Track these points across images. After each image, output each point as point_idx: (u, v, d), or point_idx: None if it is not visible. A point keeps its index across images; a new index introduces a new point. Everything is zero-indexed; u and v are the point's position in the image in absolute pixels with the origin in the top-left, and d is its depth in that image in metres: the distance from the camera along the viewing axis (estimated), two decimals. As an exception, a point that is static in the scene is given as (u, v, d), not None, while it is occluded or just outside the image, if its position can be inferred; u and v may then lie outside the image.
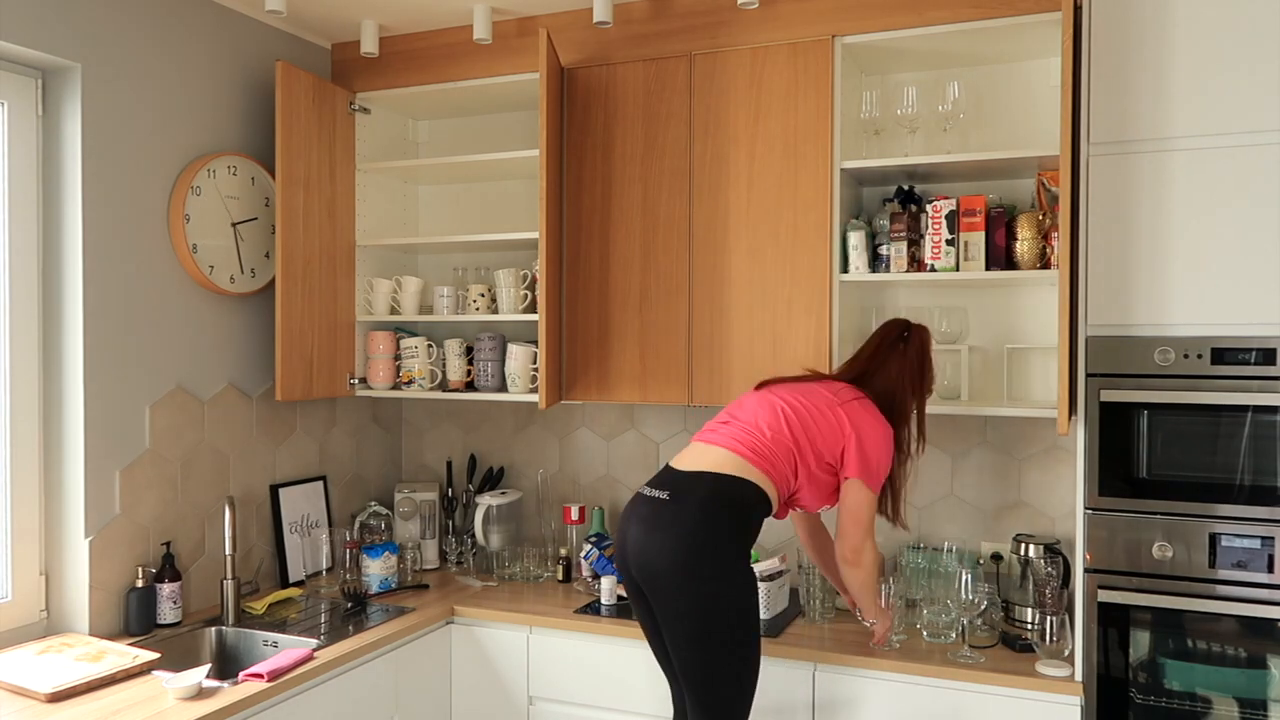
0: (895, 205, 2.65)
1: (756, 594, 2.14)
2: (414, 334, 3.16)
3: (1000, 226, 2.49)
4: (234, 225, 2.81)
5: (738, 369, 2.67)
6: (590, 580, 2.91)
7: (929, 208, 2.55)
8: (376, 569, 2.88)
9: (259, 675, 2.17)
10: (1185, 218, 2.09)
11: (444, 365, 3.10)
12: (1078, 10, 2.20)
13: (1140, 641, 2.12)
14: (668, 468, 2.24)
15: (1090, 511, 2.17)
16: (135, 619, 2.48)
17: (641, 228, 2.80)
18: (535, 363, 2.93)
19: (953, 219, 2.52)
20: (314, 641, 2.46)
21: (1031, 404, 2.58)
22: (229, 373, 2.83)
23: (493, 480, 3.29)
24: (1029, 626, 2.48)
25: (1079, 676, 2.17)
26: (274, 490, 2.98)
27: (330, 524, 3.14)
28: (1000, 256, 2.50)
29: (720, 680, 2.09)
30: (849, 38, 2.58)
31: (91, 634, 2.42)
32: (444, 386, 3.11)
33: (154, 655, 2.26)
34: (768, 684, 2.35)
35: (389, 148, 3.26)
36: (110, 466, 2.48)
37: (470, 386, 3.08)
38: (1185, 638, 2.08)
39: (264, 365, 2.93)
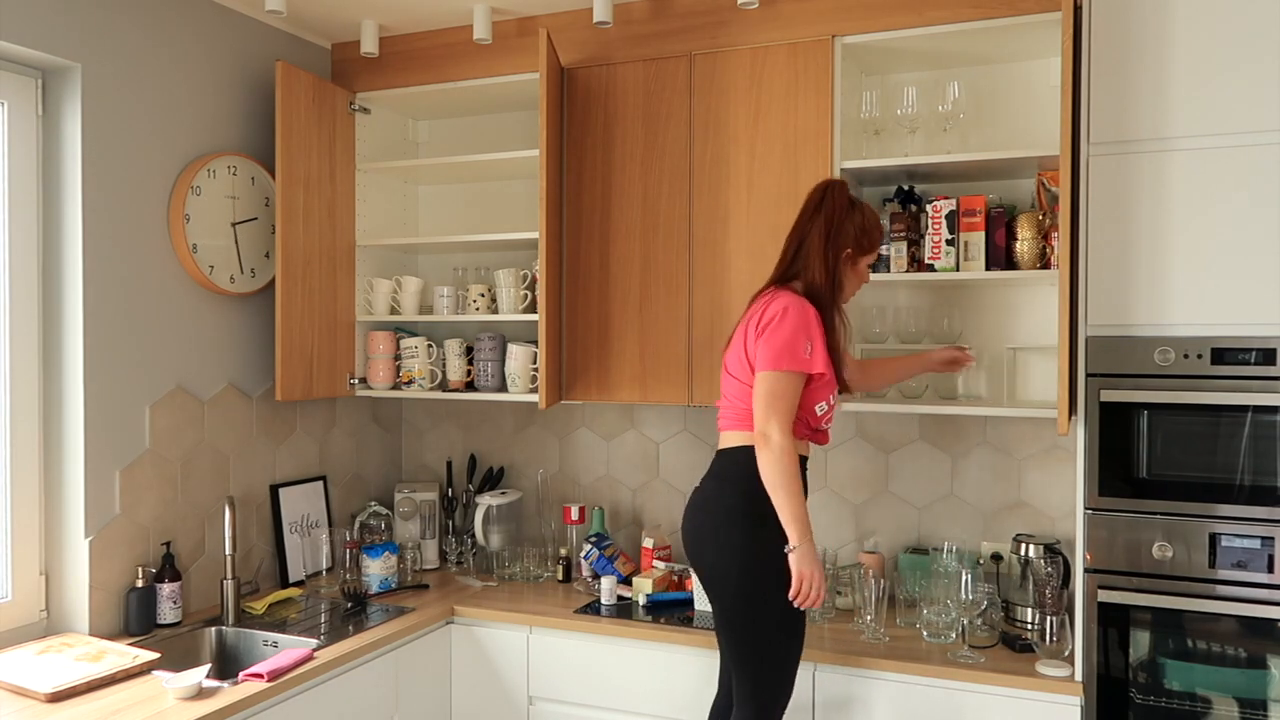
0: (895, 205, 2.65)
1: (774, 564, 2.07)
2: (414, 334, 3.16)
3: (1000, 226, 2.49)
4: (234, 225, 2.81)
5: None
6: (590, 580, 2.91)
7: (929, 208, 2.55)
8: (376, 569, 2.88)
9: (259, 675, 2.17)
10: (1185, 217, 2.09)
11: (444, 365, 3.10)
12: (1078, 10, 2.20)
13: (1140, 641, 2.12)
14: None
15: (1090, 511, 2.17)
16: (135, 619, 2.48)
17: (641, 228, 2.80)
18: (535, 363, 2.93)
19: (953, 219, 2.52)
20: (314, 641, 2.46)
21: (1031, 404, 2.57)
22: (229, 373, 2.83)
23: (493, 480, 3.29)
24: (1029, 626, 2.48)
25: (1079, 676, 2.17)
26: (274, 490, 2.98)
27: (330, 524, 3.14)
28: (1000, 256, 2.50)
29: (752, 669, 2.12)
30: (849, 38, 2.58)
31: (91, 634, 2.42)
32: (444, 386, 3.11)
33: (154, 655, 2.26)
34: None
35: (389, 148, 3.26)
36: (110, 466, 2.47)
37: (470, 386, 3.08)
38: (1185, 638, 2.08)
39: (264, 365, 2.93)
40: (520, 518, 3.25)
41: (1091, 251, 2.16)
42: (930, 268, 2.55)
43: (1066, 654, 2.25)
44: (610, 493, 3.22)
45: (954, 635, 2.40)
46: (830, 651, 2.35)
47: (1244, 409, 2.03)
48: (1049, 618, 2.28)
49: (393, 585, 2.91)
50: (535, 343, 2.94)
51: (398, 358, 3.13)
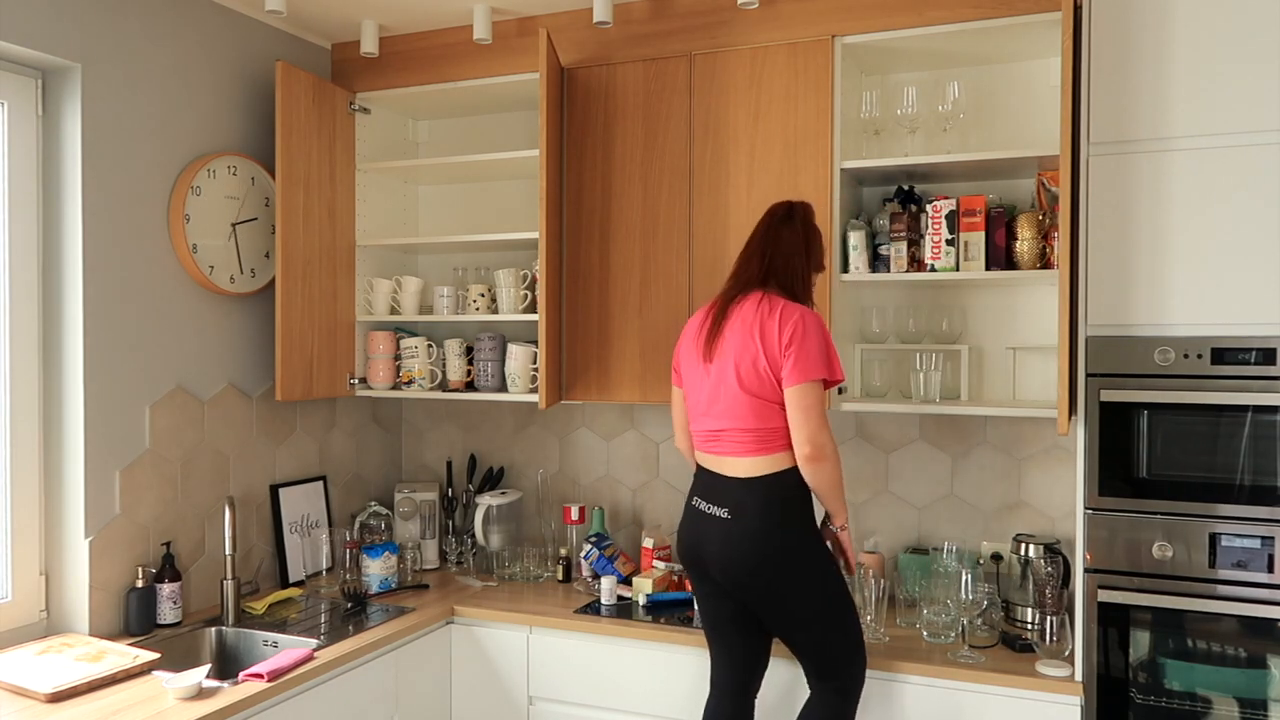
0: (895, 205, 2.65)
1: (833, 563, 2.23)
2: (414, 334, 3.16)
3: (1000, 226, 2.49)
4: (234, 225, 2.81)
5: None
6: (590, 580, 2.91)
7: (929, 208, 2.55)
8: (376, 569, 2.88)
9: (259, 675, 2.17)
10: (1185, 217, 2.09)
11: (444, 365, 3.10)
12: (1078, 10, 2.20)
13: (1140, 641, 2.12)
14: (707, 473, 2.27)
15: (1090, 511, 2.17)
16: (135, 619, 2.48)
17: (641, 228, 2.80)
18: (535, 363, 2.93)
19: (953, 219, 2.52)
20: (314, 641, 2.46)
21: (1031, 404, 2.57)
22: (229, 373, 2.83)
23: (493, 480, 3.29)
24: (1029, 626, 2.48)
25: (1079, 676, 2.17)
26: (274, 490, 2.98)
27: (330, 524, 3.14)
28: (1000, 256, 2.50)
29: (839, 650, 2.19)
30: (849, 38, 2.58)
31: (91, 634, 2.42)
32: (444, 386, 3.11)
33: (154, 655, 2.26)
34: (768, 684, 2.36)
35: (389, 148, 3.26)
36: (110, 466, 2.47)
37: (470, 386, 3.08)
38: (1185, 638, 2.08)
39: (264, 365, 2.93)
40: (520, 518, 3.25)
41: (1091, 251, 2.16)
42: (930, 268, 2.55)
43: (1066, 654, 2.25)
44: (610, 493, 3.22)
45: (954, 635, 2.40)
46: (830, 651, 2.35)
47: (1244, 409, 2.03)
48: (1049, 618, 2.28)
49: (393, 585, 2.91)
50: (535, 343, 2.94)
51: (398, 358, 3.13)
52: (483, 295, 3.02)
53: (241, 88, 2.85)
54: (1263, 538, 2.01)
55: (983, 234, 2.49)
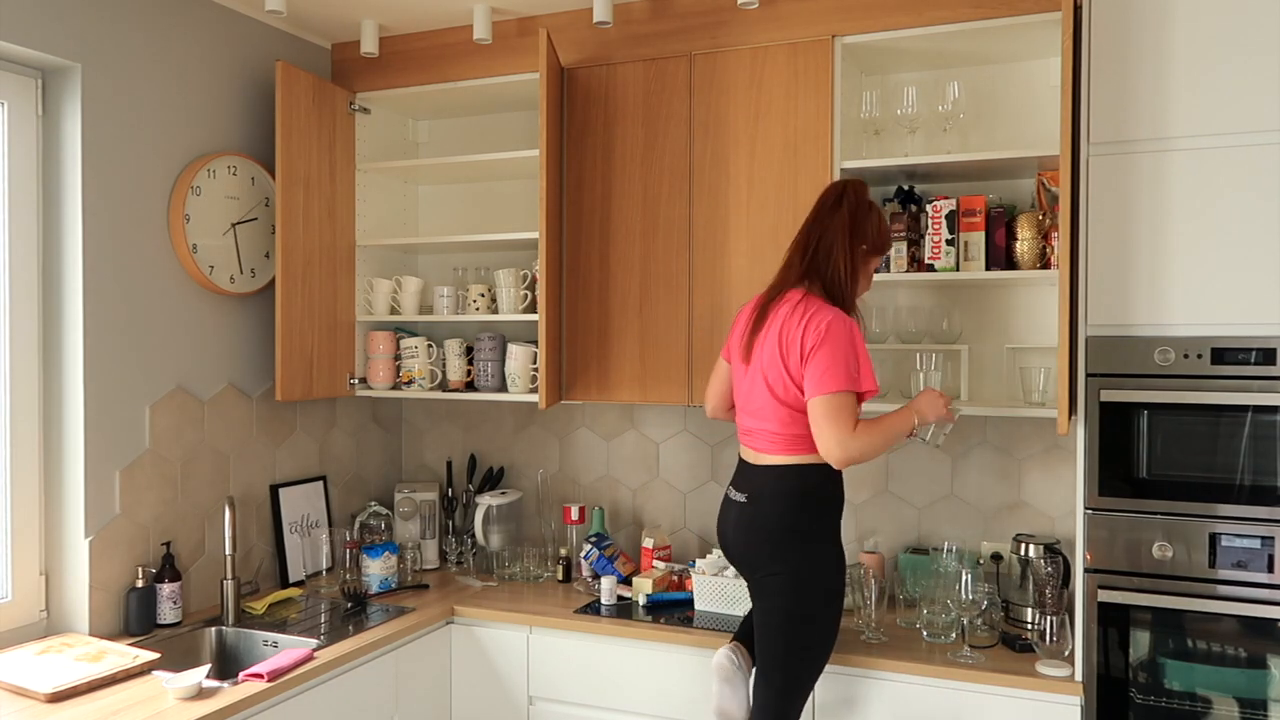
0: (895, 205, 2.65)
1: (841, 577, 2.20)
2: (414, 334, 3.16)
3: (1000, 226, 2.49)
4: (234, 225, 2.81)
5: (738, 369, 2.67)
6: (590, 580, 2.91)
7: (929, 208, 2.55)
8: (376, 569, 2.88)
9: (259, 675, 2.17)
10: (1185, 217, 2.09)
11: (444, 365, 3.10)
12: (1078, 10, 2.20)
13: (1140, 641, 2.12)
14: (740, 463, 2.30)
15: (1090, 511, 2.17)
16: (135, 619, 2.48)
17: (641, 228, 2.80)
18: (535, 363, 2.93)
19: (953, 219, 2.52)
20: (314, 641, 2.46)
21: (1031, 404, 2.57)
22: (229, 373, 2.83)
23: (493, 480, 3.29)
24: (1029, 626, 2.48)
25: (1079, 676, 2.17)
26: (274, 490, 2.98)
27: (330, 524, 3.14)
28: (1000, 256, 2.50)
29: (793, 659, 2.16)
30: (849, 38, 2.58)
31: (91, 634, 2.42)
32: (444, 386, 3.11)
33: (154, 655, 2.26)
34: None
35: (389, 148, 3.26)
36: (110, 466, 2.47)
37: (470, 386, 3.08)
38: (1185, 638, 2.08)
39: (264, 365, 2.93)
40: (520, 518, 3.25)
41: (1091, 251, 2.16)
42: (930, 268, 2.55)
43: (1066, 654, 2.25)
44: (610, 493, 3.22)
45: (954, 635, 2.40)
46: (830, 651, 2.35)
47: (1244, 409, 2.03)
48: (1049, 618, 2.28)
49: (393, 585, 2.91)
50: (535, 343, 2.94)
51: (398, 358, 3.13)
52: (483, 295, 3.02)
53: (241, 88, 2.85)
54: (1263, 538, 2.01)
55: (983, 234, 2.49)
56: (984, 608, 2.38)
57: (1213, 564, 2.05)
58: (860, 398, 2.15)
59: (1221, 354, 2.05)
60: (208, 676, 2.14)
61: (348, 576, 2.83)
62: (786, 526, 2.17)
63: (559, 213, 2.86)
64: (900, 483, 2.86)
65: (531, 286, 2.98)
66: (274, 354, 2.89)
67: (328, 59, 3.19)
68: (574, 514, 3.09)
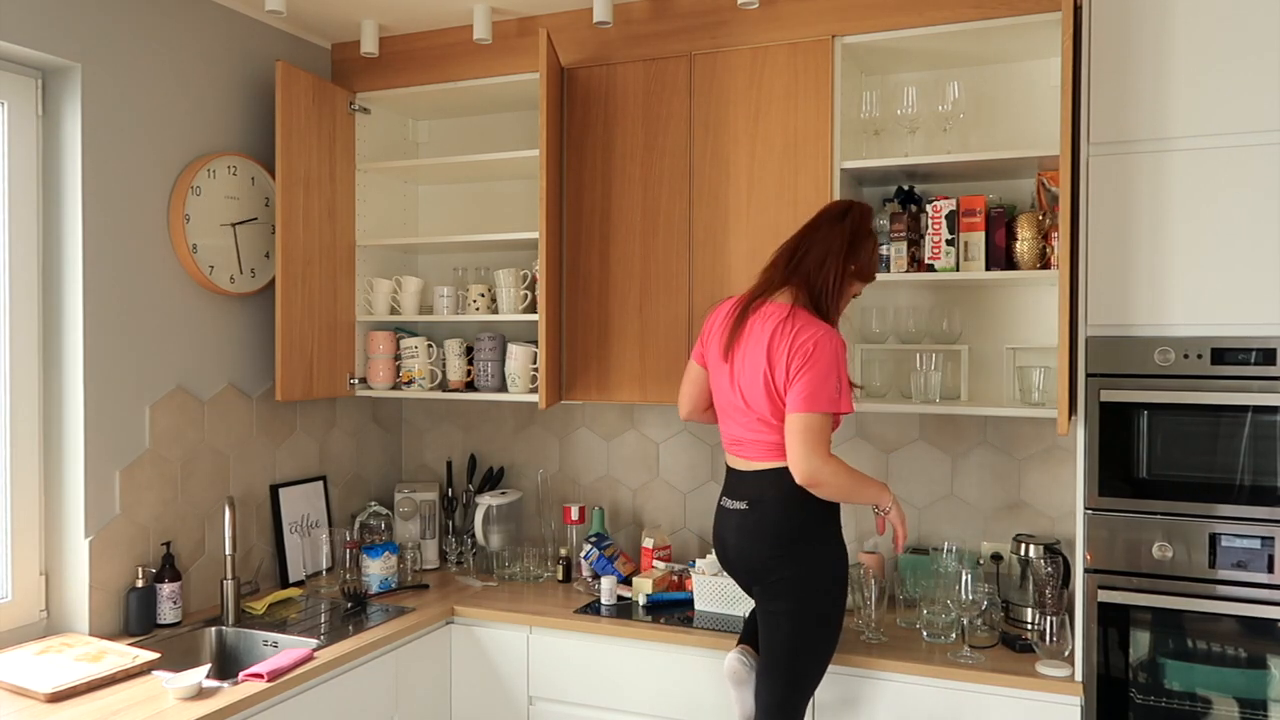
0: (895, 205, 2.65)
1: (845, 575, 2.21)
2: (414, 334, 3.16)
3: (1000, 226, 2.49)
4: (234, 225, 2.81)
5: (738, 369, 2.67)
6: (590, 580, 2.91)
7: (929, 208, 2.55)
8: (376, 569, 2.88)
9: (259, 675, 2.17)
10: (1185, 217, 2.09)
11: (444, 365, 3.10)
12: (1078, 10, 2.20)
13: (1140, 641, 2.12)
14: (731, 471, 2.29)
15: (1090, 511, 2.17)
16: (135, 619, 2.48)
17: (641, 228, 2.80)
18: (535, 363, 2.93)
19: (953, 219, 2.52)
20: (314, 641, 2.46)
21: (1031, 404, 2.57)
22: (229, 373, 2.83)
23: (493, 480, 3.29)
24: (1029, 626, 2.48)
25: (1079, 676, 2.17)
26: (274, 490, 2.98)
27: (330, 524, 3.14)
28: (1000, 256, 2.50)
29: (799, 661, 2.16)
30: (849, 38, 2.58)
31: (91, 634, 2.42)
32: (444, 386, 3.11)
33: (154, 655, 2.26)
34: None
35: (389, 148, 3.26)
36: (110, 466, 2.47)
37: (470, 386, 3.08)
38: (1185, 638, 2.08)
39: (264, 365, 2.93)
40: (520, 518, 3.25)
41: (1091, 251, 2.16)
42: (930, 268, 2.55)
43: (1066, 654, 2.25)
44: (610, 493, 3.22)
45: (954, 635, 2.40)
46: (830, 651, 2.35)
47: (1244, 409, 2.03)
48: (1049, 618, 2.28)
49: (393, 585, 2.91)
50: (535, 343, 2.94)
51: (398, 358, 3.13)
52: (483, 295, 3.02)
53: (241, 88, 2.85)
54: (1263, 538, 2.01)
55: (983, 234, 2.49)
56: (984, 608, 2.37)
57: (1213, 564, 2.05)
58: (835, 420, 2.17)
59: (1221, 354, 2.05)
60: (208, 676, 2.14)
61: (348, 576, 2.83)
62: (790, 529, 2.17)
63: (559, 213, 2.86)
64: (900, 483, 2.86)
65: (531, 286, 2.98)
66: (274, 354, 2.89)
67: (328, 59, 3.19)
68: (574, 514, 3.09)
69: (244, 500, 2.88)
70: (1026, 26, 2.44)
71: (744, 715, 2.22)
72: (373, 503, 3.23)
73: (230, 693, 2.11)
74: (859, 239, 2.23)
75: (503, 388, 3.02)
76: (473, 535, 3.17)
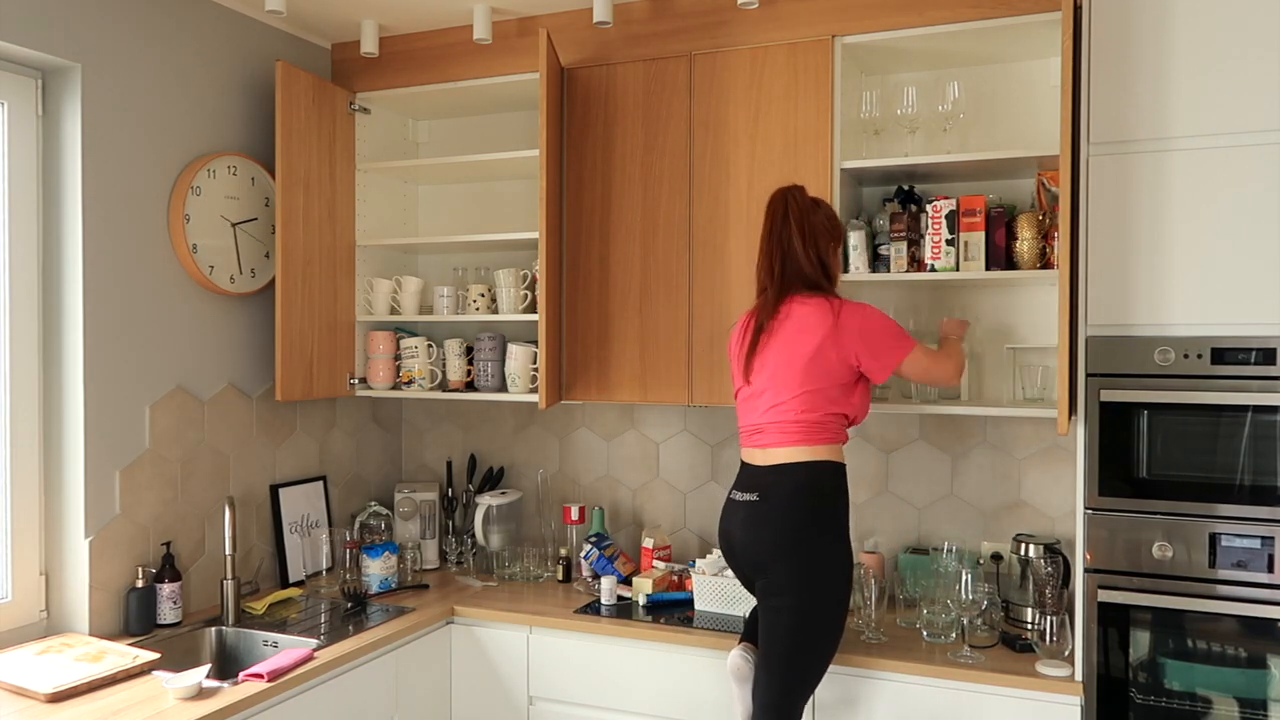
0: (895, 205, 2.65)
1: (849, 574, 2.24)
2: (414, 334, 3.16)
3: (1000, 226, 2.49)
4: (234, 225, 2.81)
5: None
6: (590, 580, 2.91)
7: (929, 208, 2.55)
8: (376, 569, 2.88)
9: (259, 675, 2.17)
10: (1185, 217, 2.09)
11: (444, 365, 3.10)
12: (1078, 10, 2.20)
13: (1140, 641, 2.12)
14: (746, 466, 2.31)
15: (1090, 511, 2.17)
16: (135, 619, 2.48)
17: (641, 228, 2.80)
18: (535, 363, 2.93)
19: (953, 219, 2.52)
20: (314, 641, 2.46)
21: (1031, 404, 2.57)
22: (229, 373, 2.83)
23: (493, 480, 3.29)
24: (1029, 626, 2.48)
25: (1079, 676, 2.17)
26: (274, 490, 2.98)
27: (330, 524, 3.14)
28: (1000, 256, 2.50)
29: (800, 655, 2.17)
30: (849, 38, 2.58)
31: (91, 634, 2.42)
32: (444, 386, 3.11)
33: (154, 655, 2.26)
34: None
35: (389, 148, 3.26)
36: (110, 466, 2.47)
37: (470, 386, 3.08)
38: (1185, 638, 2.08)
39: (264, 365, 2.93)
40: (520, 518, 3.25)
41: (1091, 251, 2.16)
42: (930, 268, 2.55)
43: (1066, 654, 2.25)
44: (610, 493, 3.22)
45: (954, 635, 2.40)
46: (830, 651, 2.35)
47: (1244, 409, 2.03)
48: (1049, 618, 2.28)
49: (393, 585, 2.91)
50: (535, 343, 2.94)
51: (398, 358, 3.13)
52: (483, 295, 3.02)
53: (241, 88, 2.85)
54: (1263, 538, 2.01)
55: (983, 234, 2.49)
56: (984, 608, 2.37)
57: (1213, 564, 2.05)
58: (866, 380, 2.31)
59: (1221, 354, 2.05)
60: (208, 676, 2.14)
61: (348, 576, 2.83)
62: (798, 523, 2.18)
63: (559, 213, 2.86)
64: (900, 483, 2.86)
65: (531, 286, 2.98)
66: (274, 354, 2.89)
67: (328, 59, 3.19)
68: (574, 514, 3.09)
69: (244, 500, 2.88)
70: (1026, 26, 2.44)
71: (746, 712, 2.23)
72: (373, 503, 3.23)
73: (230, 693, 2.11)
74: (809, 219, 2.30)
75: (503, 388, 3.02)
76: (473, 535, 3.17)
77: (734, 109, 2.68)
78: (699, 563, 2.74)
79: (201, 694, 2.08)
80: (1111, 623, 2.13)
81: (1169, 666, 2.09)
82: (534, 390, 2.94)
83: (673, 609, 2.69)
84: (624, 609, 2.69)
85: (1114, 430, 2.14)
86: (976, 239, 2.50)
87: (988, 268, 2.50)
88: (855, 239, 2.60)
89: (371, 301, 3.13)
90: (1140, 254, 2.12)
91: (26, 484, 2.41)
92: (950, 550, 2.62)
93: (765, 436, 2.26)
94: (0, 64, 2.32)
